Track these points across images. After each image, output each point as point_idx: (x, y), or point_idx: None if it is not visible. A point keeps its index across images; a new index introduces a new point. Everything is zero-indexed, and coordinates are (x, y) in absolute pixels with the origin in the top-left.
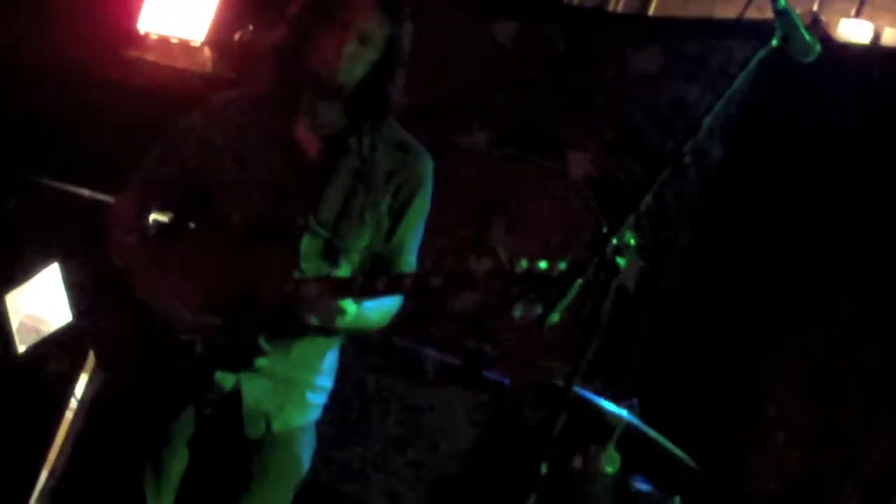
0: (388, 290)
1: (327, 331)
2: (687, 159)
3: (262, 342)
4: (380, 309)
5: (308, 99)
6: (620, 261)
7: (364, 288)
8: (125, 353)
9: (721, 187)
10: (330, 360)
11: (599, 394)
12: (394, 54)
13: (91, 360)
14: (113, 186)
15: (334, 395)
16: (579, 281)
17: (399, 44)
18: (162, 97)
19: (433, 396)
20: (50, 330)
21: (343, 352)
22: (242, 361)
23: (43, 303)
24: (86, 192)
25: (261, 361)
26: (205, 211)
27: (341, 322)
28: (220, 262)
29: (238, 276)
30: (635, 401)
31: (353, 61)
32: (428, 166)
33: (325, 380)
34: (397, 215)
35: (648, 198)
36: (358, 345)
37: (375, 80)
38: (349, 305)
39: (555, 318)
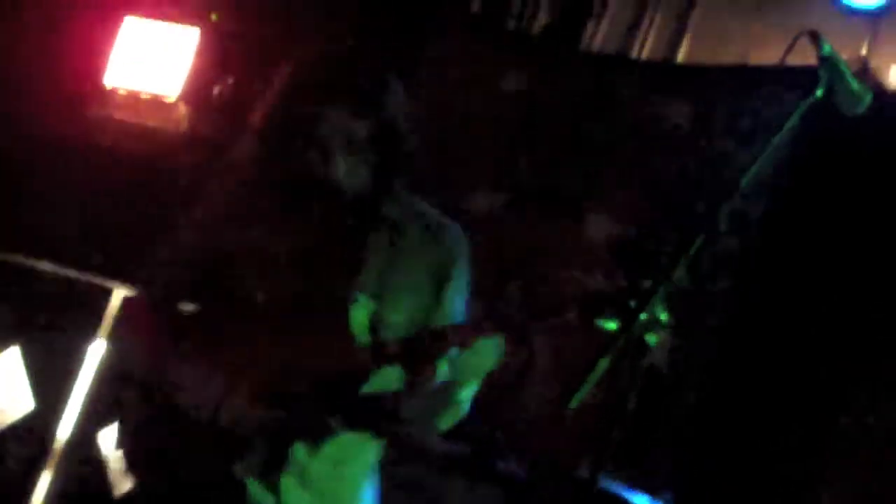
0: (437, 347)
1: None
2: (723, 225)
3: (333, 420)
4: None
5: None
6: (650, 338)
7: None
8: (159, 465)
9: (761, 253)
10: (372, 484)
11: (629, 487)
12: (389, 138)
13: (55, 456)
14: (78, 259)
15: None
16: (604, 361)
17: (390, 126)
18: (132, 160)
19: (436, 491)
20: (8, 421)
21: None
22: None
23: (0, 391)
24: (48, 266)
25: (299, 454)
26: (228, 296)
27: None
28: (261, 346)
29: (287, 358)
30: (669, 495)
31: (350, 176)
32: (463, 239)
33: (373, 473)
34: (439, 288)
35: (681, 267)
36: None
37: (384, 163)
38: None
39: (577, 401)
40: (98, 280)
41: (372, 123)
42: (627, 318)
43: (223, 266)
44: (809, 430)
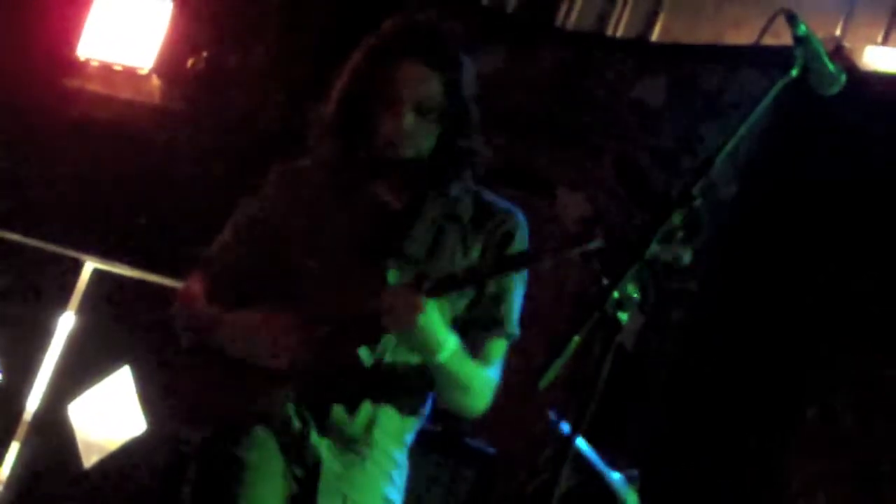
0: (467, 280)
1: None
2: (697, 202)
3: (363, 353)
4: (479, 370)
5: (379, 171)
6: (622, 316)
7: (441, 284)
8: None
9: (733, 231)
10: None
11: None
12: (458, 108)
13: (24, 425)
14: (48, 231)
15: None
16: (576, 338)
17: (461, 95)
18: (104, 131)
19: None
20: None
21: None
22: (343, 379)
23: None
24: (16, 237)
25: (338, 413)
26: (278, 266)
27: (427, 338)
28: (309, 305)
29: (330, 312)
30: (635, 472)
31: (415, 136)
32: (521, 221)
33: (403, 458)
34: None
35: (654, 246)
36: None
37: (449, 137)
38: (431, 311)
39: (548, 379)
40: (68, 252)
41: (445, 86)
42: (600, 296)
43: (279, 241)
44: (783, 410)
